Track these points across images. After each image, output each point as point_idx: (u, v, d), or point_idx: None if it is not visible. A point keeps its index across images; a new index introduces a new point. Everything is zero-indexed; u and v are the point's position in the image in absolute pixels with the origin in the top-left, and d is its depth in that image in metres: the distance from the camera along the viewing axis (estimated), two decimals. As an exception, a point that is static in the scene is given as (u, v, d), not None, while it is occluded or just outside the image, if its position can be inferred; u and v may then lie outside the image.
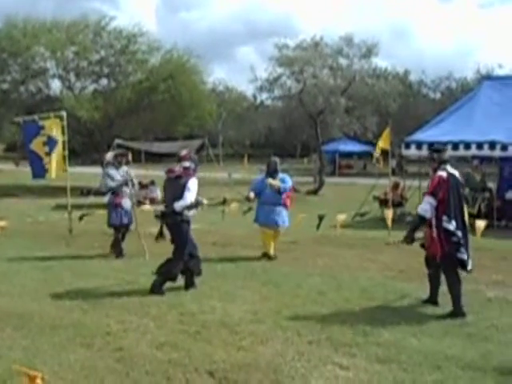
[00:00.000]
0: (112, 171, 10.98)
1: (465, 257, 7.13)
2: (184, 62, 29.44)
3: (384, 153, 15.39)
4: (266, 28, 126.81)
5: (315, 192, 27.23)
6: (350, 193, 24.84)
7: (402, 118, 42.42)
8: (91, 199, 14.96)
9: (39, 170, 12.28)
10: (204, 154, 26.76)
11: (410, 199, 16.74)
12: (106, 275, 9.13)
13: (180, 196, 7.93)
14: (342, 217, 13.06)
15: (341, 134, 35.44)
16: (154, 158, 38.93)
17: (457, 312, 6.97)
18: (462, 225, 7.17)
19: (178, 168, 8.23)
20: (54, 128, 12.03)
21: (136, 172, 12.21)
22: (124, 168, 11.22)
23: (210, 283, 8.69)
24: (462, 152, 15.07)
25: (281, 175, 10.93)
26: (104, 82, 30.85)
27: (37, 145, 12.05)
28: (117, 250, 10.85)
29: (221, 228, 13.96)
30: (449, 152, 14.69)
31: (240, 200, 16.14)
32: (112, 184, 10.81)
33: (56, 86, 30.82)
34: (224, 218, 14.28)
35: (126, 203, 11.04)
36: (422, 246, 7.65)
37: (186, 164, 8.18)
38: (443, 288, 7.36)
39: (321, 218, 12.91)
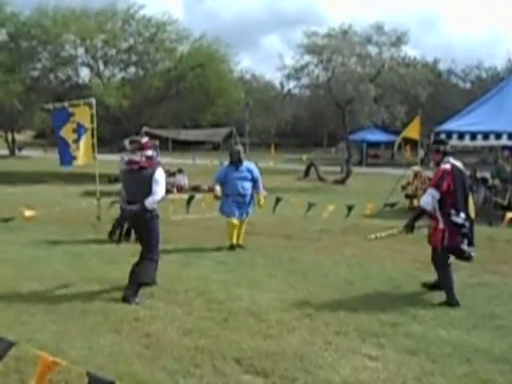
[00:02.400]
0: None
1: (465, 247, 7.13)
2: (213, 51, 29.42)
3: (413, 142, 15.22)
4: (292, 16, 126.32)
5: (342, 181, 27.10)
6: (378, 183, 24.64)
7: (432, 108, 41.93)
8: (119, 186, 15.04)
9: (67, 157, 12.42)
10: (232, 143, 26.76)
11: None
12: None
13: (149, 191, 7.06)
14: (370, 206, 12.99)
15: (368, 122, 35.16)
16: (181, 145, 39.04)
17: (451, 302, 6.99)
18: (467, 215, 7.16)
19: (138, 158, 7.28)
20: (83, 115, 12.13)
21: (163, 160, 12.23)
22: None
23: (237, 271, 8.73)
24: (492, 142, 14.88)
25: (245, 164, 10.59)
26: (132, 70, 31.05)
27: (66, 131, 12.17)
28: (116, 235, 11.14)
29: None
30: (479, 142, 14.76)
31: (268, 189, 16.10)
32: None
33: (85, 73, 31.11)
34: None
35: None
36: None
37: (149, 153, 7.28)
38: (471, 280, 7.26)
39: (350, 208, 12.84)
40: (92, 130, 12.27)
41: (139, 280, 7.08)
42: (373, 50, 28.91)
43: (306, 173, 30.27)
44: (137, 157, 7.32)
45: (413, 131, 14.70)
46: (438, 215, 7.11)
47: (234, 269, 8.91)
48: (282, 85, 54.05)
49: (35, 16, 27.91)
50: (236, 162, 10.49)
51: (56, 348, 5.28)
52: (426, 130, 18.24)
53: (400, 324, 6.24)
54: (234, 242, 10.45)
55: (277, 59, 30.93)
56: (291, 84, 32.54)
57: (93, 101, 12.35)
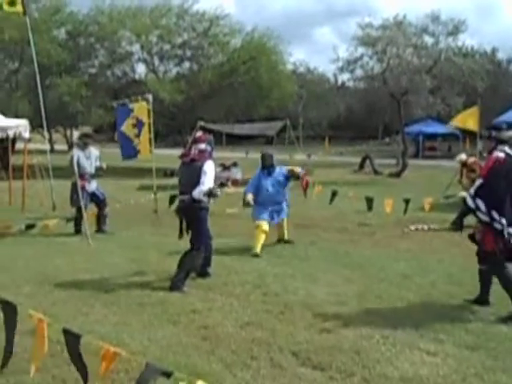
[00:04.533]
0: (78, 153, 11.34)
1: None
2: (264, 43, 29.47)
3: (471, 134, 14.82)
4: (343, 8, 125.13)
5: (398, 174, 26.76)
6: (434, 176, 24.21)
7: (491, 99, 40.84)
8: (174, 180, 15.24)
9: (130, 151, 12.85)
10: (285, 136, 26.75)
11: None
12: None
13: (197, 182, 7.21)
14: (428, 201, 12.78)
15: (424, 114, 34.57)
16: (235, 139, 39.22)
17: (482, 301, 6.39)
18: None
19: (192, 151, 7.51)
20: (142, 110, 12.43)
21: (218, 154, 12.31)
22: (90, 149, 11.63)
23: (292, 264, 8.73)
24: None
25: (278, 169, 10.11)
26: (187, 64, 31.40)
27: (127, 127, 12.55)
28: (76, 227, 11.26)
29: (303, 210, 13.90)
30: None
31: (323, 182, 16.06)
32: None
33: (141, 69, 31.67)
34: (306, 200, 14.21)
35: (91, 186, 11.56)
36: (472, 237, 6.76)
37: (202, 146, 7.47)
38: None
39: (407, 201, 12.67)
40: (149, 124, 12.53)
41: (184, 268, 7.33)
42: (429, 40, 28.40)
43: (361, 165, 30.01)
44: (191, 150, 7.56)
45: (470, 121, 14.26)
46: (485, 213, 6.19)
47: (290, 262, 8.92)
48: (335, 77, 53.88)
49: (92, 14, 28.58)
50: (268, 167, 10.03)
51: (116, 339, 5.39)
52: (485, 122, 17.78)
53: (459, 319, 6.12)
54: (258, 250, 9.48)
55: (329, 51, 30.95)
56: (345, 76, 32.32)
57: (150, 96, 12.59)
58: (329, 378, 4.72)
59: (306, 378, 4.72)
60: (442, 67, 27.78)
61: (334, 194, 13.39)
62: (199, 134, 7.89)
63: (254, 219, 9.94)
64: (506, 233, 6.11)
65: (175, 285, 7.23)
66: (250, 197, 9.82)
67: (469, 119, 14.22)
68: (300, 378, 4.70)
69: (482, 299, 6.64)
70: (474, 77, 28.30)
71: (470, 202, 6.23)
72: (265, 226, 9.71)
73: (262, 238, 9.64)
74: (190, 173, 7.37)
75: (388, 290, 7.32)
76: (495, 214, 6.11)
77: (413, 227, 12.00)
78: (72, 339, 3.91)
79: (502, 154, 6.28)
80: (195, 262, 7.45)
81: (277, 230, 10.35)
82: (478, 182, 6.25)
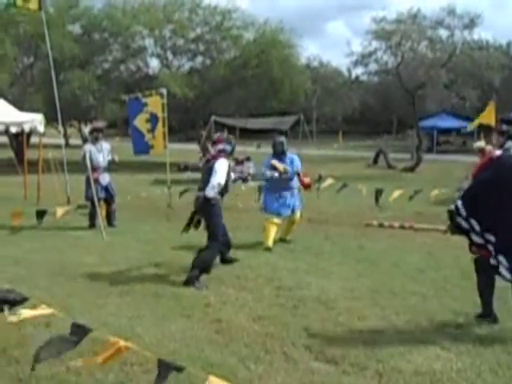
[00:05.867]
0: (90, 147, 11.36)
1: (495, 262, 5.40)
2: (276, 36, 29.44)
3: (488, 129, 14.72)
4: (356, 1, 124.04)
5: (412, 169, 26.65)
6: (449, 170, 24.07)
7: (506, 93, 40.48)
8: (188, 174, 15.30)
9: (142, 146, 12.81)
10: (299, 131, 26.72)
11: None
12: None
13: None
14: (435, 193, 12.73)
15: (438, 109, 34.31)
16: (248, 134, 39.24)
17: (486, 315, 5.87)
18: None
19: (213, 152, 7.79)
20: (156, 105, 12.40)
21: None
22: (101, 142, 11.62)
23: (305, 259, 8.73)
24: None
25: (289, 155, 9.75)
26: (200, 59, 31.43)
27: (140, 121, 12.52)
28: (91, 221, 11.33)
29: (316, 204, 13.88)
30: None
31: (336, 176, 16.02)
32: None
33: (154, 64, 31.75)
34: (319, 195, 14.19)
35: (104, 179, 11.53)
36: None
37: (221, 147, 7.69)
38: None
39: (416, 192, 12.68)
40: (163, 119, 12.52)
41: (199, 266, 7.33)
42: (444, 33, 28.20)
43: (375, 160, 29.92)
44: (212, 151, 7.84)
45: (488, 117, 14.15)
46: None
47: (303, 256, 8.92)
48: (349, 71, 53.69)
49: (106, 8, 28.68)
50: (279, 154, 9.69)
51: (131, 332, 5.43)
52: (500, 117, 17.66)
53: (474, 314, 6.08)
54: (270, 244, 9.43)
55: (343, 45, 30.92)
56: (359, 70, 32.25)
57: (164, 91, 12.58)
58: (342, 371, 4.72)
59: (319, 371, 4.72)
60: (457, 61, 27.58)
61: (343, 185, 13.32)
62: (216, 135, 8.18)
63: (264, 211, 9.81)
64: (482, 240, 5.47)
65: (189, 280, 7.24)
66: (268, 172, 9.57)
67: (488, 115, 14.11)
68: (313, 372, 4.70)
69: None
70: (489, 71, 28.08)
71: (452, 205, 5.66)
72: (276, 220, 9.59)
73: (273, 231, 9.54)
74: (206, 171, 7.60)
75: (402, 284, 7.30)
76: (474, 222, 5.47)
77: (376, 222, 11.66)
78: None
79: (498, 152, 5.62)
80: (208, 260, 7.45)
81: (286, 224, 9.98)
82: (467, 183, 5.59)
